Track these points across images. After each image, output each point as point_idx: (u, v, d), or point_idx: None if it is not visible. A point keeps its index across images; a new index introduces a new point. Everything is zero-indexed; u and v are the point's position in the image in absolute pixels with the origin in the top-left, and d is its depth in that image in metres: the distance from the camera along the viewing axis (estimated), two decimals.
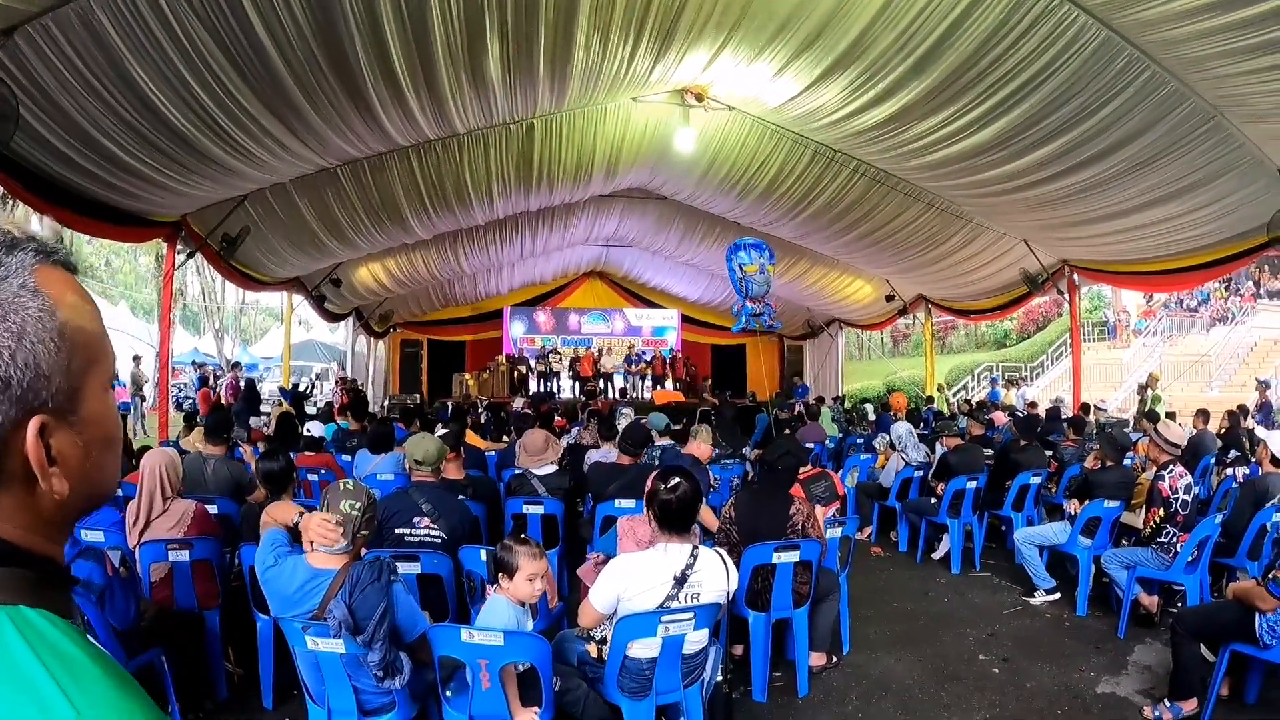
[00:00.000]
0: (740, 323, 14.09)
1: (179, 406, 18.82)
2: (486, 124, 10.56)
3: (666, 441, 7.95)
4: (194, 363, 26.61)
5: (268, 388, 23.97)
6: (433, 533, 4.52)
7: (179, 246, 10.58)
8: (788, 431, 10.86)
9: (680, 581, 3.44)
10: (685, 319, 26.65)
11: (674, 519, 3.52)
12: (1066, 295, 13.55)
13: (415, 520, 4.55)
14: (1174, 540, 5.63)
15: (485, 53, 7.97)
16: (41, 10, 5.72)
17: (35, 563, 0.83)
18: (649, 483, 3.67)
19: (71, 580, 0.92)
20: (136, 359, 20.37)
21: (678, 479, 3.55)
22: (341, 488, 3.31)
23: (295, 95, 7.78)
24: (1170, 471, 5.78)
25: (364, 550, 3.46)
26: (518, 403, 15.66)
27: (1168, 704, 4.43)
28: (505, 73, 8.61)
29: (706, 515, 5.86)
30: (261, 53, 6.91)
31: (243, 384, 17.60)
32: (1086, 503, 6.51)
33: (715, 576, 3.53)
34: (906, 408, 14.41)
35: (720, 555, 3.62)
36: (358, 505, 3.27)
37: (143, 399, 19.85)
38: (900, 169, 11.05)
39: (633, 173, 14.93)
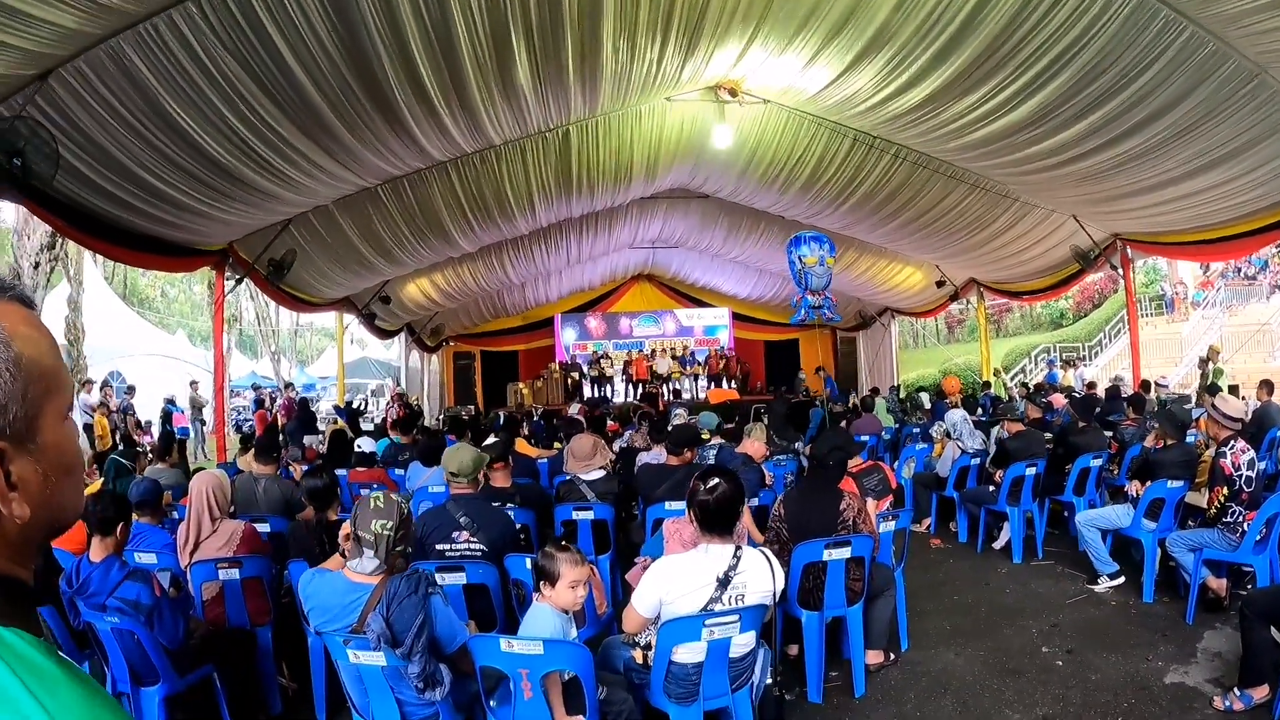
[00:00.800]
0: (799, 314, 13.99)
1: (238, 429, 19.16)
2: (522, 133, 10.60)
3: (718, 441, 7.89)
4: (254, 386, 27.10)
5: (324, 406, 24.29)
6: (472, 546, 4.50)
7: (227, 273, 10.79)
8: (841, 424, 10.75)
9: (724, 583, 3.39)
10: (736, 316, 26.49)
11: (714, 519, 3.47)
12: (1120, 270, 13.26)
13: (454, 535, 4.53)
14: (1240, 519, 5.44)
15: (514, 62, 7.99)
16: (73, 54, 5.88)
17: (4, 584, 0.86)
18: (691, 483, 3.63)
19: (38, 599, 0.93)
20: (194, 384, 20.79)
21: (717, 479, 3.50)
22: (372, 505, 3.27)
23: (329, 118, 7.88)
24: (1231, 447, 5.58)
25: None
26: (572, 408, 15.70)
27: (1238, 692, 4.23)
28: (535, 81, 8.63)
29: (750, 527, 5.81)
30: (292, 79, 7.00)
31: (296, 405, 17.85)
32: (1149, 484, 6.30)
33: (760, 577, 3.47)
34: (960, 391, 14.20)
35: (765, 555, 3.56)
36: (389, 524, 3.23)
37: (203, 423, 20.25)
38: (941, 151, 10.88)
39: (673, 173, 14.89)
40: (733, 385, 23.80)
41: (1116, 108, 7.90)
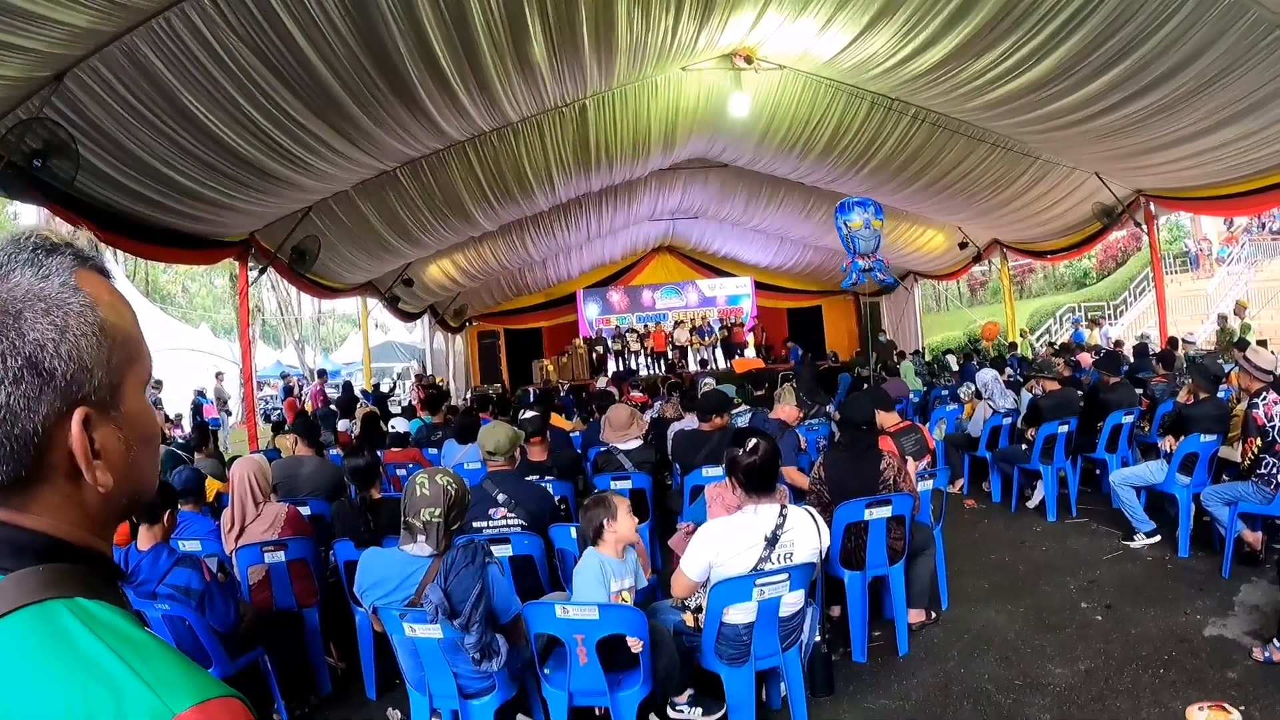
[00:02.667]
0: (850, 278, 13.96)
1: (266, 418, 19.29)
2: (539, 109, 10.56)
3: (744, 408, 7.91)
4: (283, 375, 27.25)
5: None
6: (510, 522, 4.55)
7: (250, 264, 10.84)
8: (865, 387, 10.75)
9: (772, 542, 3.43)
10: (759, 285, 26.33)
11: (758, 479, 3.51)
12: (1144, 227, 13.09)
13: (492, 512, 4.57)
14: (1274, 471, 5.38)
15: (528, 38, 7.96)
16: (88, 52, 5.87)
17: (87, 557, 0.87)
18: (728, 449, 3.67)
19: (121, 574, 0.95)
20: (219, 376, 20.90)
21: (754, 439, 3.54)
22: (419, 491, 3.28)
23: (346, 103, 7.88)
24: (1264, 399, 5.52)
25: None
26: (600, 382, 15.74)
27: (1277, 644, 4.22)
28: (551, 56, 8.60)
29: (797, 477, 5.85)
30: (308, 66, 7.00)
31: (341, 388, 17.86)
32: (1182, 439, 6.27)
33: (807, 535, 3.51)
34: (998, 336, 14.05)
35: (810, 513, 3.60)
36: (437, 511, 3.25)
37: (228, 414, 20.35)
38: (961, 111, 10.77)
39: (691, 143, 14.79)
40: (760, 354, 23.73)
41: (1137, 62, 7.78)
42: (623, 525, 3.61)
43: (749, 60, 10.66)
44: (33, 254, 0.85)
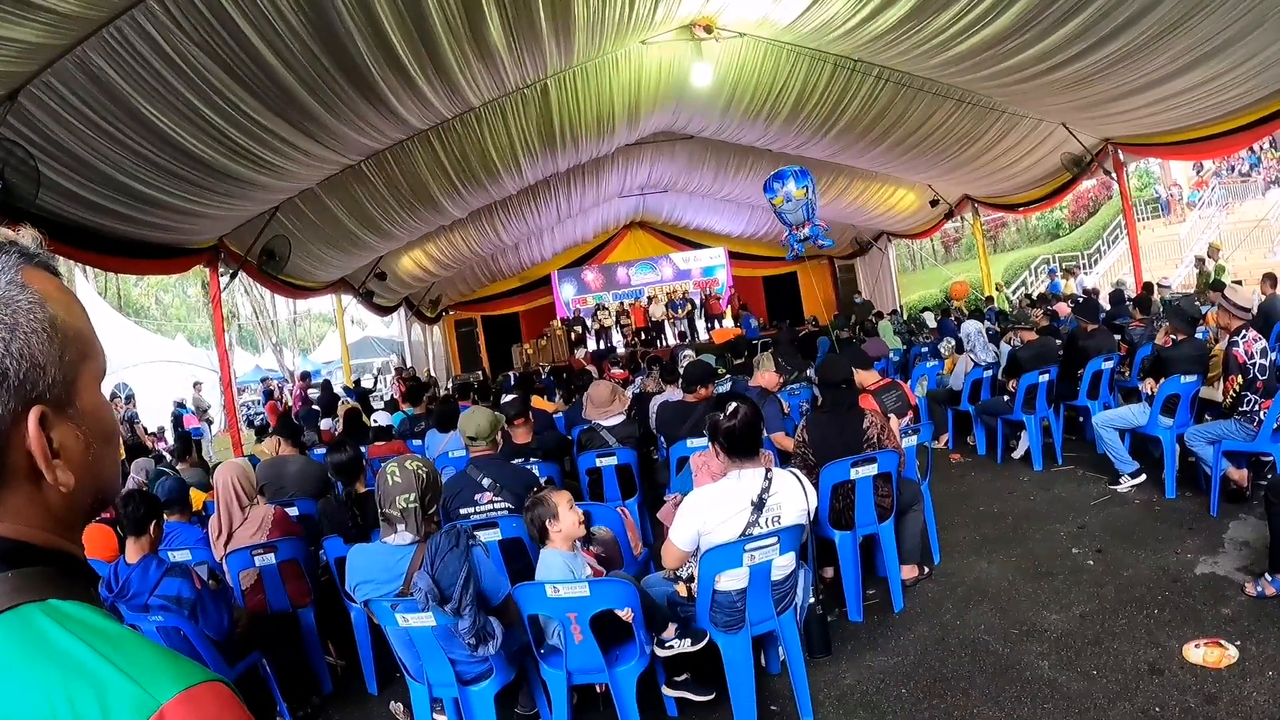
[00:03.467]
0: (791, 251, 14.02)
1: (250, 424, 19.20)
2: (500, 93, 10.47)
3: (725, 377, 7.90)
4: (263, 379, 27.11)
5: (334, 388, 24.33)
6: (497, 505, 4.53)
7: (221, 269, 10.74)
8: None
9: (759, 506, 3.43)
10: (732, 255, 26.42)
11: (741, 444, 3.51)
12: (1114, 175, 13.13)
13: (477, 497, 4.56)
14: (1256, 408, 5.42)
15: (485, 21, 7.88)
16: (39, 68, 5.77)
17: (56, 559, 0.86)
18: (709, 416, 3.66)
19: (94, 574, 0.93)
20: (197, 385, 20.78)
21: (734, 404, 3.53)
22: (390, 480, 3.28)
23: (306, 100, 7.79)
24: (1244, 337, 5.55)
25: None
26: (580, 353, 15.69)
27: (1269, 578, 4.24)
28: (509, 38, 8.52)
29: (785, 441, 5.86)
30: (263, 65, 6.91)
31: (320, 389, 17.80)
32: (1162, 381, 6.31)
33: (794, 496, 3.51)
34: (968, 295, 14.11)
35: (795, 475, 3.60)
36: (411, 496, 3.25)
37: (209, 422, 20.22)
38: (924, 68, 10.73)
39: (655, 117, 14.75)
40: (737, 324, 23.81)
41: (1098, 10, 7.73)
42: (565, 521, 3.60)
43: (709, 29, 10.61)
44: None
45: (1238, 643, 3.79)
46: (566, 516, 3.60)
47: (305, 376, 21.97)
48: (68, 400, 0.86)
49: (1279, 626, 3.94)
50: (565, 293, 25.75)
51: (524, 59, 9.39)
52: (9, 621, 0.76)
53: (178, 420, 18.63)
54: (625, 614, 3.29)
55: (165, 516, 4.54)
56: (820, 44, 10.63)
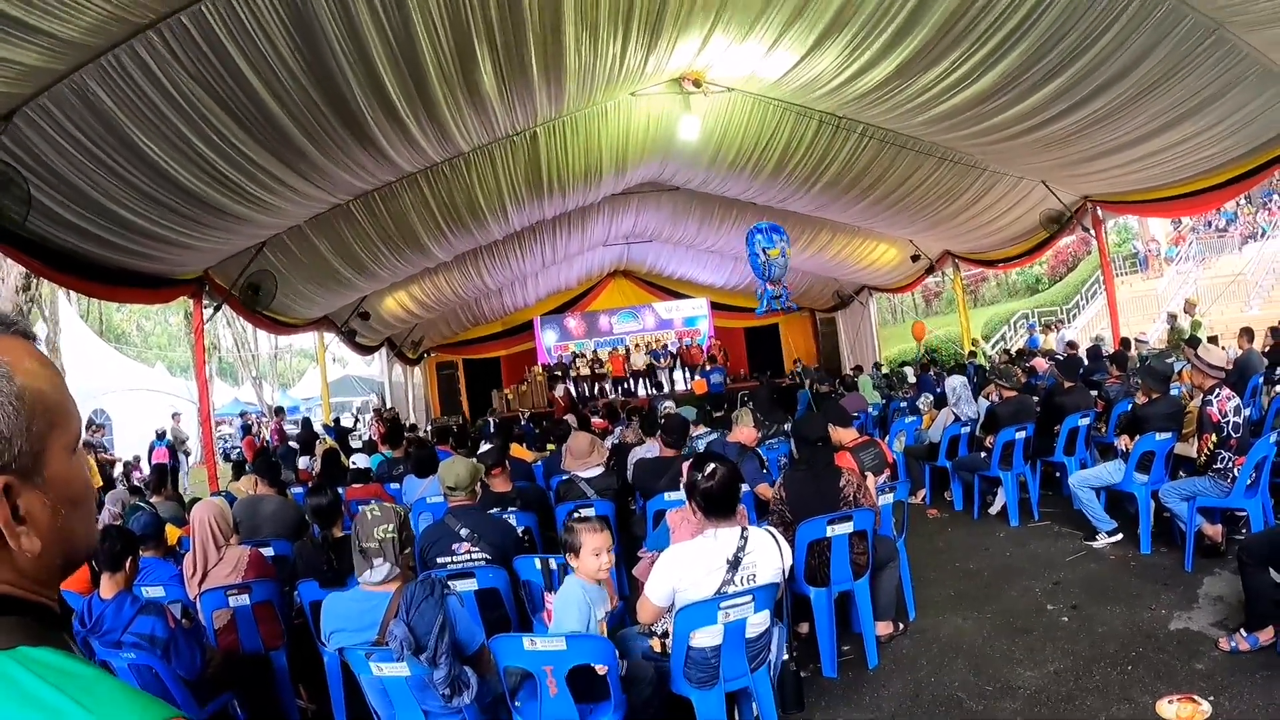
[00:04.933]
0: (763, 305, 14.17)
1: (226, 457, 19.05)
2: (490, 139, 10.58)
3: (704, 430, 7.91)
4: (241, 413, 26.93)
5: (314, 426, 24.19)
6: (474, 556, 4.52)
7: (205, 301, 10.72)
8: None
9: (734, 565, 3.43)
10: (715, 305, 26.51)
11: (717, 504, 3.51)
12: (1092, 231, 13.37)
13: (455, 547, 4.55)
14: (1230, 465, 5.50)
15: (478, 69, 7.98)
16: (36, 91, 5.82)
17: (28, 609, 0.87)
18: (684, 474, 3.68)
19: (66, 621, 0.95)
20: (175, 416, 20.64)
21: (713, 464, 3.54)
22: (369, 516, 3.31)
23: (297, 138, 7.85)
24: (1217, 395, 5.65)
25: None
26: (558, 390, 15.61)
27: (1244, 634, 4.28)
28: (501, 86, 8.62)
29: (765, 490, 5.86)
30: (258, 101, 6.97)
31: (300, 425, 17.70)
32: (1138, 438, 6.38)
33: (769, 555, 3.51)
34: (925, 336, 14.17)
35: (771, 533, 3.60)
36: (390, 528, 3.29)
37: (186, 454, 20.07)
38: (908, 126, 10.93)
39: (642, 167, 14.88)
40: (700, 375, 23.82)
41: (1078, 72, 7.97)
42: (584, 563, 3.60)
43: (698, 83, 10.76)
44: None
45: (1211, 698, 3.81)
46: (587, 560, 3.59)
47: (279, 412, 21.86)
48: (35, 470, 0.87)
49: (1253, 682, 3.97)
50: (547, 339, 25.78)
51: (515, 106, 9.49)
52: None
53: (152, 453, 18.47)
54: (599, 668, 3.29)
55: (141, 551, 4.50)
56: (807, 100, 10.81)
